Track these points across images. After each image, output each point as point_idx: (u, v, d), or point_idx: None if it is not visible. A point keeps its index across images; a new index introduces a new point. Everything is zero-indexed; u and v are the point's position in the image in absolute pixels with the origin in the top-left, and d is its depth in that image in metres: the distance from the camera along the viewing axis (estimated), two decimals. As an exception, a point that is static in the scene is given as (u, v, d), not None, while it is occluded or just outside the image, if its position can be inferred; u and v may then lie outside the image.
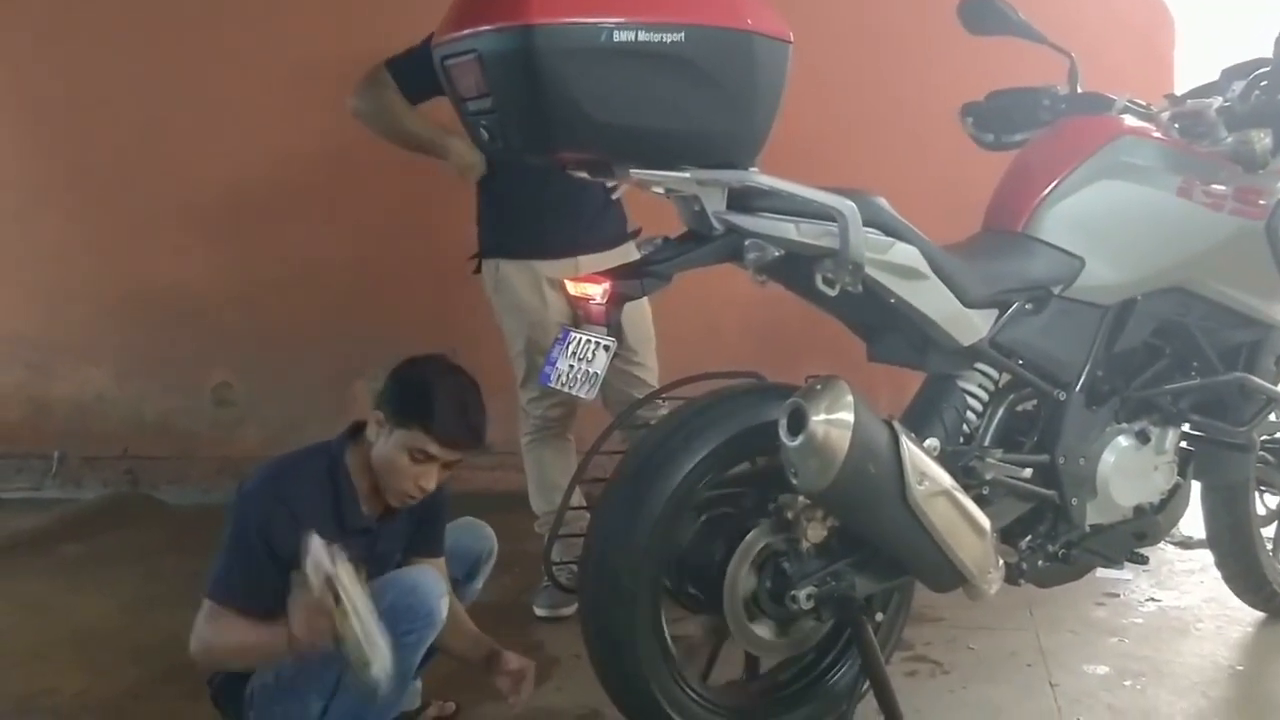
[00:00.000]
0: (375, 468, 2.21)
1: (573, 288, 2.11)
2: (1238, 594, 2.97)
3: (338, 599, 1.94)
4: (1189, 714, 2.53)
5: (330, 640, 1.95)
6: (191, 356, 4.44)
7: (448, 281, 3.67)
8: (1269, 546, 2.93)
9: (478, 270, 3.18)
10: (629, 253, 2.96)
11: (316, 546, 1.97)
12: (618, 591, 2.10)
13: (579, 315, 2.15)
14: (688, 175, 1.93)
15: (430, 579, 2.19)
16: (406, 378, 2.23)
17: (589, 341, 2.09)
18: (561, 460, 3.18)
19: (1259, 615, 2.99)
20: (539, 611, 3.12)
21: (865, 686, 2.25)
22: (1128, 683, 2.66)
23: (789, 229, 1.99)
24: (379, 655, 1.95)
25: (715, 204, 1.98)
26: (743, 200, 1.99)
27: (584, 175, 2.08)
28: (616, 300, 2.04)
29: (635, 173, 1.94)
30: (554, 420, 3.17)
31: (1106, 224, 2.37)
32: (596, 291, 2.03)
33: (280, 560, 2.10)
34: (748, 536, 2.18)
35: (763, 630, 2.24)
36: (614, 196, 3.07)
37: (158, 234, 4.37)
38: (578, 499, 2.78)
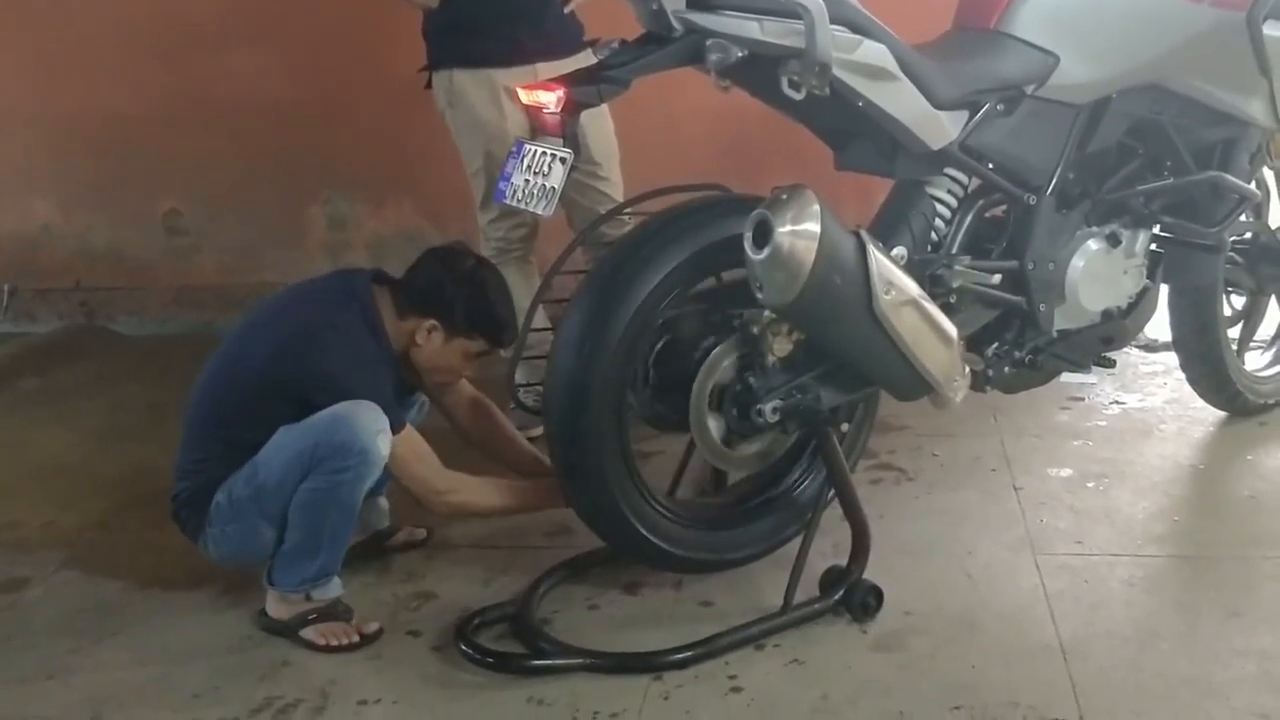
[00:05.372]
0: (425, 364, 2.31)
1: (525, 96, 2.01)
2: (1202, 395, 3.00)
3: None
4: (1150, 512, 2.58)
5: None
6: (138, 184, 4.28)
7: (399, 100, 3.52)
8: (1233, 347, 2.95)
9: (428, 85, 3.04)
10: (590, 61, 2.82)
11: None
12: (582, 411, 2.08)
13: (534, 126, 2.06)
14: None
15: (366, 416, 2.13)
16: (455, 287, 2.26)
17: (544, 154, 2.01)
18: (525, 283, 3.10)
19: (1220, 415, 3.03)
20: (507, 432, 3.11)
21: (830, 495, 2.28)
22: (1090, 484, 2.71)
23: (752, 27, 1.90)
24: None
25: (674, 1, 1.88)
26: (703, -3, 1.89)
27: None
28: (572, 109, 1.96)
29: (587, -36, 1.83)
30: (515, 242, 3.08)
31: (1083, 17, 2.29)
32: (550, 99, 1.95)
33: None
34: (713, 353, 2.16)
35: (728, 444, 2.23)
36: (567, 9, 2.92)
37: (92, 56, 4.15)
38: (541, 320, 2.73)
